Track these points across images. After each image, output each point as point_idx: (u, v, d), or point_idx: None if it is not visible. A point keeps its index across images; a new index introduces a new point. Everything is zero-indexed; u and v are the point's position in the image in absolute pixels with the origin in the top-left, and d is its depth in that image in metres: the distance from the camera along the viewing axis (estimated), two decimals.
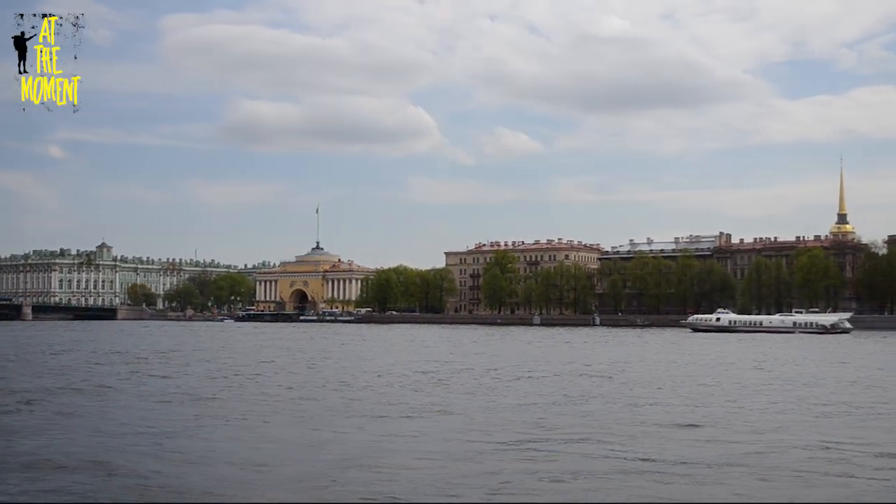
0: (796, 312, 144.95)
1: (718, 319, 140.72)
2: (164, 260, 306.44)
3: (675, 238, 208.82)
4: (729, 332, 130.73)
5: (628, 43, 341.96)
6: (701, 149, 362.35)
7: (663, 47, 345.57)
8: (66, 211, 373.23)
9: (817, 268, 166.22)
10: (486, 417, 28.79)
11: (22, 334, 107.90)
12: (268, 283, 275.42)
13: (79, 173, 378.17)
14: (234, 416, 29.22)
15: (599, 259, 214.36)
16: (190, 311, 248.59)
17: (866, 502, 17.51)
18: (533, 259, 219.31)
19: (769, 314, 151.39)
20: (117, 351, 69.76)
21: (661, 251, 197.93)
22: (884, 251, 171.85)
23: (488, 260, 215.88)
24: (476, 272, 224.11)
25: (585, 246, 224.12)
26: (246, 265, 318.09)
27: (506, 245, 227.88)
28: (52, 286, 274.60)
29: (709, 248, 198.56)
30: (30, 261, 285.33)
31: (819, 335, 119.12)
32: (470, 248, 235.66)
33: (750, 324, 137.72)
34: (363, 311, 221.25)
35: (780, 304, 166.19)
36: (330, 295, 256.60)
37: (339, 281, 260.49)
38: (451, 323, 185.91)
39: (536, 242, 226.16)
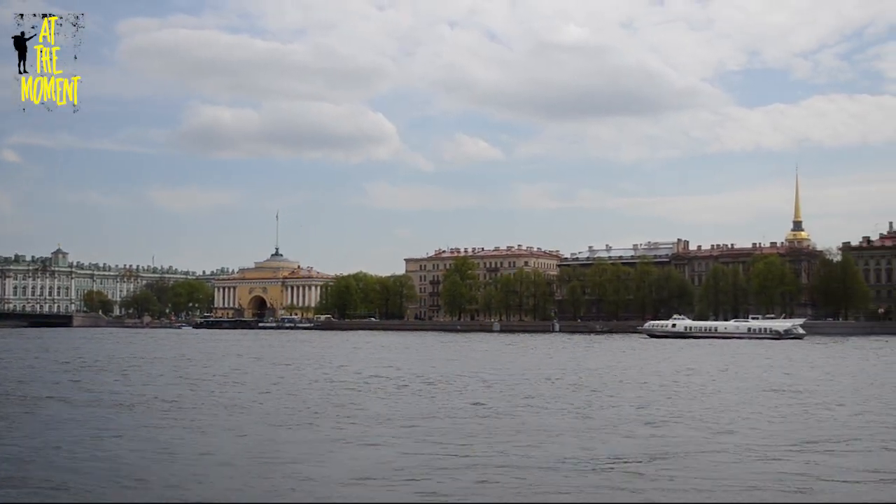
0: (752, 318, 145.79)
1: (674, 325, 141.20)
2: (121, 266, 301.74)
3: (634, 245, 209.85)
4: (684, 337, 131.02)
5: (588, 51, 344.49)
6: (659, 156, 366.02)
7: (622, 55, 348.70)
8: (21, 216, 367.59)
9: (773, 274, 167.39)
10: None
11: None
12: (226, 290, 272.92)
13: (34, 178, 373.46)
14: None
15: (559, 265, 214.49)
16: (147, 318, 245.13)
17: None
18: (493, 265, 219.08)
19: (726, 320, 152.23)
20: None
21: (620, 258, 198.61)
22: (838, 258, 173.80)
23: (448, 266, 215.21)
24: (436, 279, 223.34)
25: (545, 252, 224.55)
26: (204, 272, 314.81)
27: (466, 252, 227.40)
28: (7, 293, 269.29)
29: (667, 254, 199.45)
30: None
31: (772, 341, 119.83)
32: (430, 254, 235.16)
33: (705, 330, 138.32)
34: (323, 317, 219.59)
35: (737, 311, 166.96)
36: (289, 301, 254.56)
37: (298, 287, 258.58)
38: (410, 329, 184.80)
39: (496, 249, 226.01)
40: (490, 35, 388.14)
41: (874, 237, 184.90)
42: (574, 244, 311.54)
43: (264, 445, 23.44)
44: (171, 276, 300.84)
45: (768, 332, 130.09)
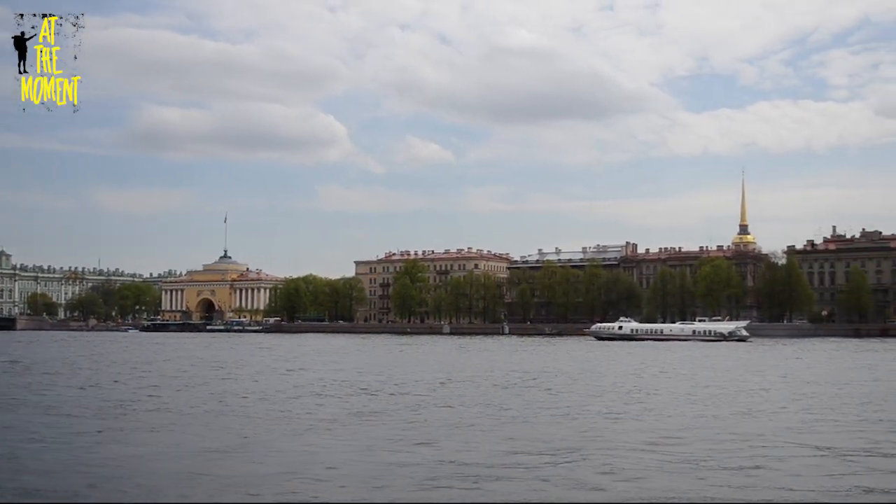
0: (699, 321, 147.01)
1: (621, 328, 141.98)
2: (65, 268, 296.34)
3: (583, 248, 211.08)
4: (631, 340, 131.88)
5: (538, 55, 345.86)
6: (608, 160, 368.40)
7: (572, 60, 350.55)
8: None
9: (720, 277, 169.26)
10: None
11: None
12: (174, 293, 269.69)
13: None
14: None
15: (508, 268, 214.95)
16: (93, 321, 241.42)
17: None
18: (443, 268, 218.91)
19: (674, 322, 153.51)
20: None
21: (569, 261, 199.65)
22: (783, 261, 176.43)
23: (398, 269, 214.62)
24: (386, 281, 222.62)
25: (495, 255, 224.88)
26: (151, 274, 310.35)
27: (416, 254, 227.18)
28: None
29: (615, 257, 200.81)
30: None
31: (716, 343, 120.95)
32: (380, 257, 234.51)
33: (651, 332, 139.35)
34: (272, 320, 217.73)
35: (684, 313, 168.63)
36: (238, 304, 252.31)
37: (247, 290, 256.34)
38: (360, 332, 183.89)
39: (446, 252, 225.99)
40: (441, 38, 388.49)
41: (818, 241, 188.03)
42: (524, 247, 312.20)
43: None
44: (118, 278, 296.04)
45: (713, 334, 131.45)
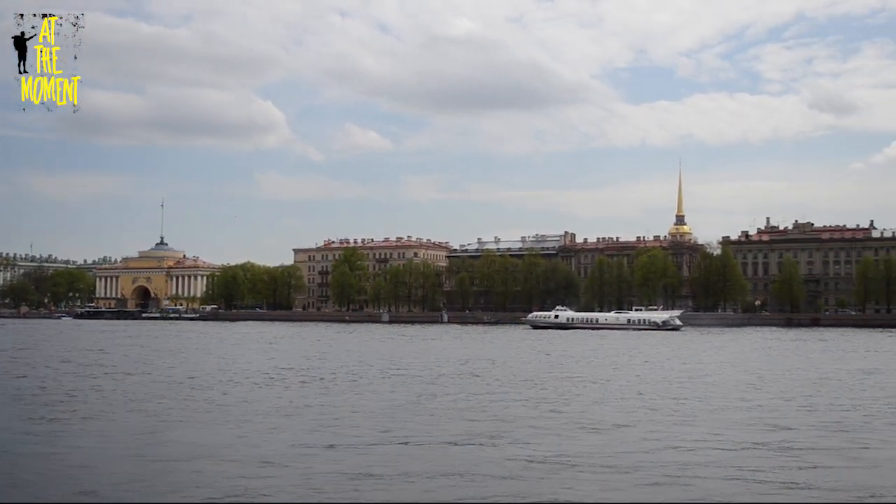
0: (636, 310, 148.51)
1: (557, 317, 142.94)
2: None
3: (522, 237, 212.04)
4: (566, 328, 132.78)
5: (477, 44, 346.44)
6: (548, 150, 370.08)
7: (512, 50, 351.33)
8: None
9: (656, 267, 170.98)
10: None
11: None
12: (109, 280, 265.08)
13: None
14: None
15: (448, 257, 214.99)
16: (24, 309, 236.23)
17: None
18: (382, 256, 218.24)
19: (610, 311, 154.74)
20: None
21: (508, 250, 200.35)
22: (718, 252, 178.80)
23: (337, 257, 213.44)
24: (325, 269, 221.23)
25: (434, 244, 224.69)
26: (86, 261, 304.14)
27: (355, 242, 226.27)
28: None
29: (554, 247, 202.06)
30: None
31: (650, 331, 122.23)
32: (319, 245, 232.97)
33: (586, 321, 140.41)
34: (209, 308, 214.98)
35: (621, 302, 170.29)
36: (174, 292, 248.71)
37: (183, 277, 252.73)
38: (299, 320, 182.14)
39: (386, 240, 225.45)
40: (381, 26, 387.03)
41: (752, 232, 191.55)
42: (463, 236, 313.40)
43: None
44: (51, 265, 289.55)
45: (647, 323, 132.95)
